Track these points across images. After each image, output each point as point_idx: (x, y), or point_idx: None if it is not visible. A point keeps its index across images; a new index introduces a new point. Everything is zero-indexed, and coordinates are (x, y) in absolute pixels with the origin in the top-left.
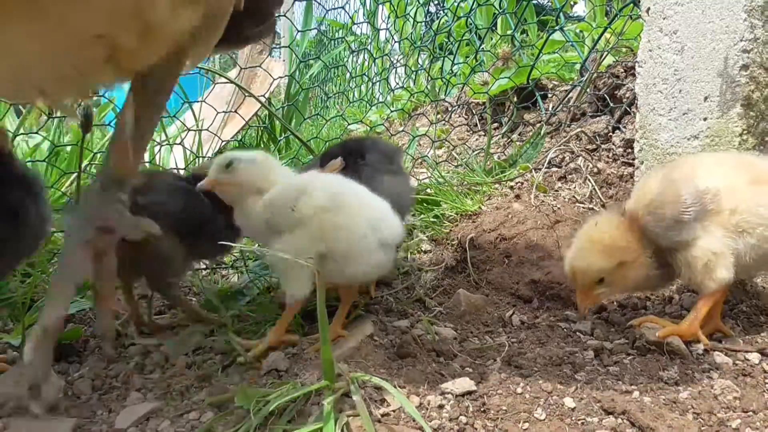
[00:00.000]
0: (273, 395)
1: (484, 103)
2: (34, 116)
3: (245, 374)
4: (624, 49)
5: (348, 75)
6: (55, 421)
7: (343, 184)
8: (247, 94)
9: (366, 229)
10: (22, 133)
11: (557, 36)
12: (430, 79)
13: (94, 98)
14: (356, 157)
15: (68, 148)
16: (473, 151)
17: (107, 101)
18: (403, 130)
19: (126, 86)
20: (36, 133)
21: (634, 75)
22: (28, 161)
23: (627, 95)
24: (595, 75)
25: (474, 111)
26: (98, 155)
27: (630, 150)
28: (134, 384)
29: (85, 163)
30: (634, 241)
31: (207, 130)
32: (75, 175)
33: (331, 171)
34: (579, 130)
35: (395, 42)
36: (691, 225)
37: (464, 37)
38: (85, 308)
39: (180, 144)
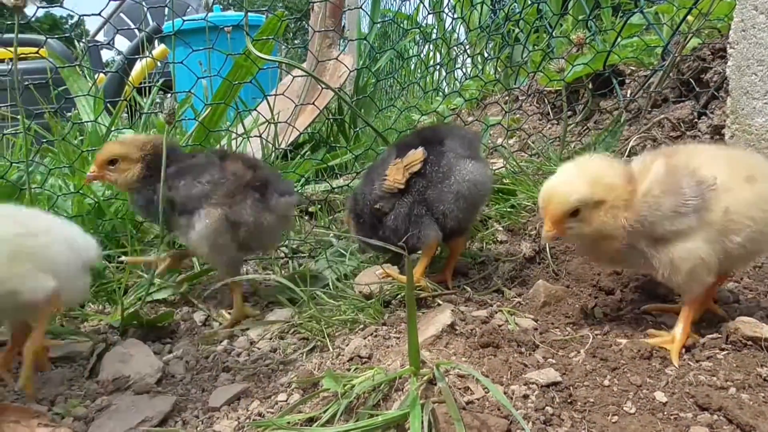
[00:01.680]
0: (359, 380)
1: (556, 91)
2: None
3: (329, 359)
4: (707, 31)
5: (412, 66)
6: (158, 398)
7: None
8: (324, 86)
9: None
10: (114, 129)
11: (634, 19)
12: (499, 68)
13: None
14: (435, 145)
15: None
16: (548, 140)
17: (184, 98)
18: (476, 120)
19: (203, 82)
20: (128, 129)
21: (722, 57)
22: None
23: (714, 79)
24: (678, 58)
25: (547, 99)
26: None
27: (718, 136)
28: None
29: None
30: (623, 193)
31: (284, 122)
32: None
33: (413, 161)
34: (662, 116)
35: (466, 31)
36: (688, 217)
37: (535, 24)
38: (175, 294)
39: (258, 136)
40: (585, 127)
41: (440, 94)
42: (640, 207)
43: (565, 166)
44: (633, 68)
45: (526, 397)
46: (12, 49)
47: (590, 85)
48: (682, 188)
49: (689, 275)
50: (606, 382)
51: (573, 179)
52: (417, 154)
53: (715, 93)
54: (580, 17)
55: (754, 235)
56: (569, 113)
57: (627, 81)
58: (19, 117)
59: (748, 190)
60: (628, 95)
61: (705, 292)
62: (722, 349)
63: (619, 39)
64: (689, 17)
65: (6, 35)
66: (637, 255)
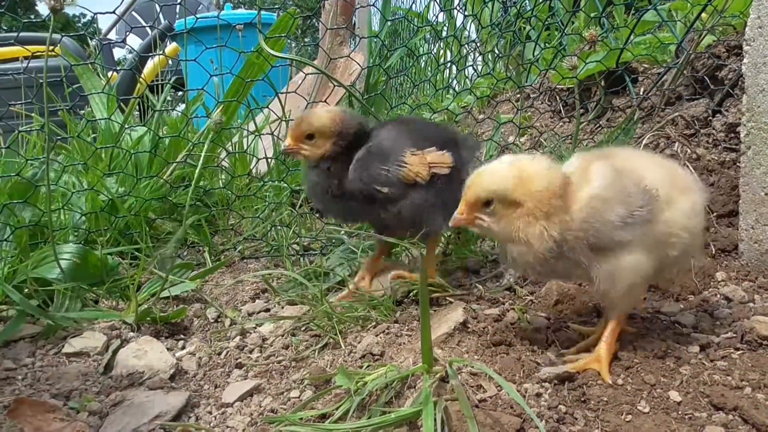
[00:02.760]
0: (371, 377)
1: (568, 88)
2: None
3: (341, 357)
4: (722, 28)
5: (423, 64)
6: (172, 394)
7: None
8: (336, 84)
9: None
10: (128, 127)
11: (648, 16)
12: (511, 66)
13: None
14: (453, 147)
15: (167, 140)
16: (560, 138)
17: (196, 96)
18: (488, 117)
19: (215, 80)
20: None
21: (737, 55)
22: (133, 152)
23: (729, 76)
24: (693, 56)
25: (558, 97)
26: (195, 146)
27: (733, 135)
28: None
29: (183, 153)
30: (545, 204)
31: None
32: (173, 164)
33: (441, 163)
34: (676, 114)
35: (477, 29)
36: (635, 228)
37: (546, 21)
38: (188, 290)
39: (271, 134)
40: (597, 125)
41: (451, 91)
42: (585, 213)
43: (505, 156)
44: (646, 66)
45: (539, 395)
46: (29, 47)
47: (603, 83)
48: (629, 196)
49: (628, 290)
50: (619, 381)
51: (501, 170)
52: (445, 158)
53: (730, 90)
54: (593, 14)
55: (686, 248)
56: (581, 111)
57: (640, 79)
58: (32, 115)
59: (684, 200)
60: (641, 93)
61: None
62: (737, 349)
63: (632, 36)
64: (703, 14)
65: (22, 33)
66: (570, 265)
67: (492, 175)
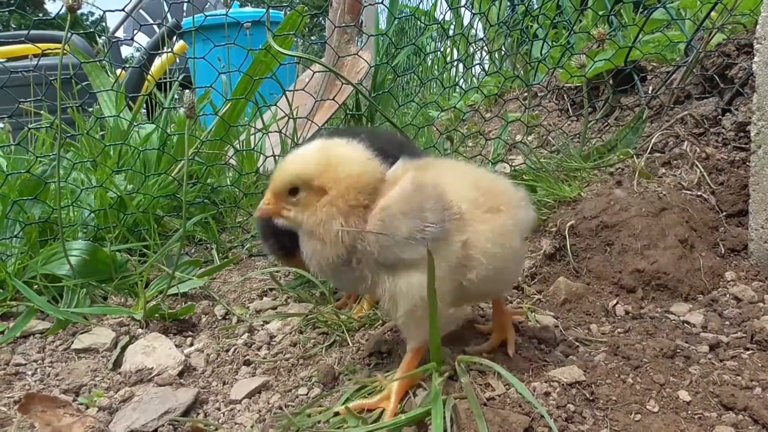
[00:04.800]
0: (380, 376)
1: (576, 87)
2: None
3: (349, 354)
4: (731, 26)
5: (429, 62)
6: (180, 390)
7: None
8: (344, 82)
9: None
10: (136, 124)
11: (657, 14)
12: (518, 64)
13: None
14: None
15: (174, 138)
16: (568, 137)
17: (203, 93)
18: (496, 116)
19: (223, 78)
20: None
21: (747, 53)
22: (142, 149)
23: (739, 75)
24: (702, 54)
25: (566, 95)
26: (203, 144)
27: (742, 134)
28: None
29: (191, 150)
30: (356, 202)
31: (304, 117)
32: (182, 162)
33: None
34: (685, 113)
35: (484, 27)
36: (421, 247)
37: (554, 19)
38: (196, 287)
39: (278, 132)
40: (605, 124)
41: (457, 90)
42: (373, 223)
43: (318, 140)
44: (655, 64)
45: (547, 394)
46: (39, 45)
47: (611, 82)
48: (423, 211)
49: (411, 316)
50: (629, 380)
51: (308, 153)
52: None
53: (740, 89)
54: (601, 12)
55: (488, 275)
56: (589, 110)
57: (649, 77)
58: (41, 112)
59: (493, 221)
60: (650, 92)
61: (503, 318)
62: (747, 349)
63: (641, 35)
64: (713, 13)
65: (33, 31)
66: (357, 277)
67: (298, 158)
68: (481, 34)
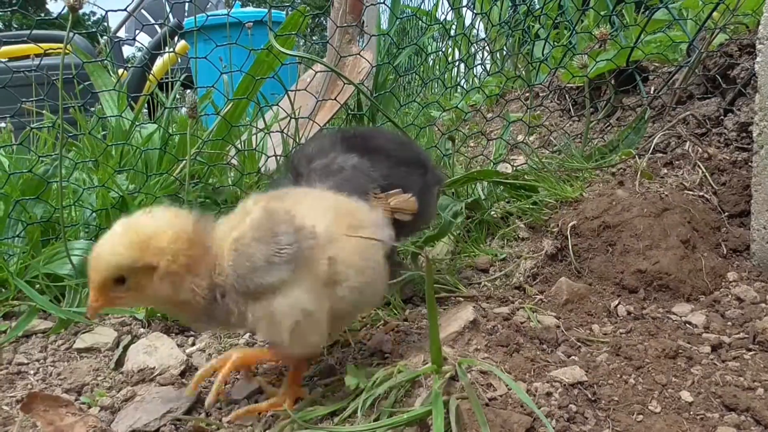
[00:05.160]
0: (381, 377)
1: (577, 87)
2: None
3: (350, 354)
4: (733, 26)
5: (430, 62)
6: (182, 390)
7: None
8: (346, 82)
9: None
10: (138, 124)
11: (659, 14)
12: (520, 64)
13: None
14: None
15: (176, 138)
16: (570, 137)
17: (205, 93)
18: (497, 116)
19: (224, 77)
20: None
21: (750, 53)
22: (143, 149)
23: (742, 75)
24: (704, 54)
25: (568, 95)
26: (205, 144)
27: (745, 134)
28: None
29: (193, 150)
30: (181, 257)
31: (305, 117)
32: (184, 161)
33: (404, 209)
34: (687, 113)
35: (486, 27)
36: (281, 269)
37: (556, 20)
38: None
39: (280, 131)
40: (607, 124)
41: (459, 90)
42: (229, 258)
43: (117, 223)
44: (657, 64)
45: (549, 394)
46: (41, 45)
47: (613, 82)
48: (277, 236)
49: (293, 332)
50: (631, 381)
51: (117, 241)
52: (410, 203)
53: (742, 89)
54: (603, 12)
55: (358, 286)
56: (591, 110)
57: (651, 77)
58: (43, 112)
59: (352, 239)
60: (652, 92)
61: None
62: (749, 350)
63: (642, 35)
64: (715, 13)
65: (35, 31)
66: (225, 312)
67: (109, 249)
68: (482, 34)
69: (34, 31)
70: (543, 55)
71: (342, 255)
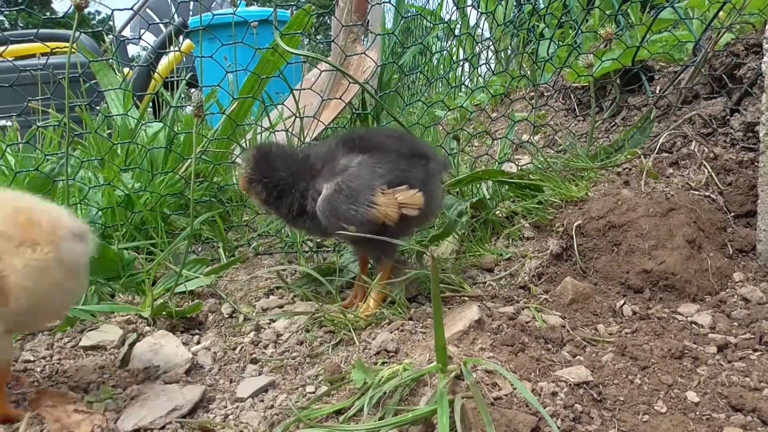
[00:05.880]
0: (386, 376)
1: (582, 87)
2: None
3: (355, 353)
4: (740, 26)
5: (435, 62)
6: (187, 388)
7: None
8: (351, 81)
9: None
10: (143, 123)
11: (665, 14)
12: (525, 64)
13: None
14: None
15: (182, 137)
16: (575, 136)
17: (210, 92)
18: (502, 115)
19: (230, 77)
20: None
21: (756, 53)
22: (149, 148)
23: (748, 75)
24: (710, 54)
25: (573, 95)
26: (210, 143)
27: (751, 134)
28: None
29: (198, 149)
30: None
31: (310, 117)
32: (189, 160)
33: (411, 204)
34: (693, 113)
35: (490, 27)
36: None
37: (561, 19)
38: (203, 285)
39: (285, 130)
40: (613, 124)
41: (464, 89)
42: None
43: None
44: (662, 64)
45: (554, 394)
46: (47, 44)
47: (618, 81)
48: None
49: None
50: (636, 381)
51: None
52: (416, 198)
53: (749, 89)
54: (608, 12)
55: (30, 305)
56: (596, 109)
57: (656, 77)
58: (49, 111)
59: (25, 254)
60: (658, 91)
61: None
62: (755, 350)
63: (648, 34)
64: (721, 13)
65: (41, 30)
66: None
67: None
68: (487, 34)
69: (40, 30)
70: (548, 54)
71: (9, 273)
